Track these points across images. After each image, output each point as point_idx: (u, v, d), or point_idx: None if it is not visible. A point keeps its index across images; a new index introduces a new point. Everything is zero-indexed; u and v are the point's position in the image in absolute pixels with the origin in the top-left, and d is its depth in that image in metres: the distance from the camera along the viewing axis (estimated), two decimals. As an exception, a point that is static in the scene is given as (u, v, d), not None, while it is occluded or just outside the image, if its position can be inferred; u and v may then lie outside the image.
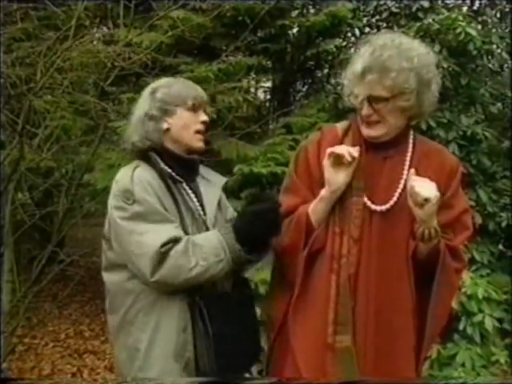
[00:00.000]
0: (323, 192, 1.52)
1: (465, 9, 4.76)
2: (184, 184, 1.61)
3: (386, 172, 1.52)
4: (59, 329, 4.41)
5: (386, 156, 1.53)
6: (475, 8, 4.96)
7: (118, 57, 2.89)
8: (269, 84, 4.57)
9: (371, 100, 1.47)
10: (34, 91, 2.64)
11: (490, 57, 4.39)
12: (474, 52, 4.05)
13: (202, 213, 1.62)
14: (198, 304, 1.50)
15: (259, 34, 4.10)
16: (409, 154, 1.53)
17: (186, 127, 1.62)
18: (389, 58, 1.44)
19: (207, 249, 1.48)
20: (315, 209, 1.53)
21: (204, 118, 1.66)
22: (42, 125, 3.24)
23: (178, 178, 1.59)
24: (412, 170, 1.45)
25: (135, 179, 1.52)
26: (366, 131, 1.52)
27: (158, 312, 1.51)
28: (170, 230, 1.49)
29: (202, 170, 1.74)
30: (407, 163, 1.52)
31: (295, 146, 4.04)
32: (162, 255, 1.45)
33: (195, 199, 1.62)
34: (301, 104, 4.56)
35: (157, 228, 1.48)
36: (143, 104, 1.64)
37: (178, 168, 1.61)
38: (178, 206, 1.56)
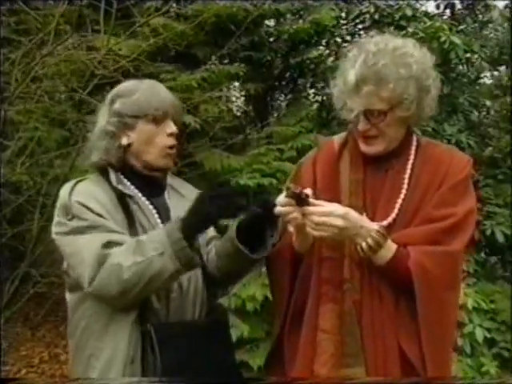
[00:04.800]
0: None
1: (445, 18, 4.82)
2: (142, 199, 1.48)
3: (388, 185, 1.40)
4: (32, 352, 4.12)
5: (387, 168, 1.42)
6: (456, 17, 5.04)
7: (99, 64, 2.73)
8: (251, 92, 4.46)
9: (368, 114, 1.34)
10: (9, 100, 2.46)
11: (469, 65, 4.45)
12: (455, 60, 4.09)
13: None
14: (149, 333, 1.35)
15: (242, 42, 4.00)
16: (410, 163, 1.41)
17: (150, 142, 1.47)
18: (384, 67, 1.29)
19: (148, 244, 1.32)
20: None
21: (171, 129, 1.48)
22: (15, 136, 3.06)
23: (128, 192, 1.45)
24: None
25: (74, 194, 1.41)
26: (364, 148, 1.39)
27: (109, 339, 1.38)
28: (115, 236, 1.36)
29: (176, 182, 1.61)
30: (408, 172, 1.40)
31: (281, 157, 3.97)
32: (103, 256, 1.32)
33: (156, 215, 1.48)
34: (284, 113, 4.49)
35: (99, 235, 1.36)
36: (101, 117, 1.49)
37: (140, 184, 1.49)
38: (131, 221, 1.42)
